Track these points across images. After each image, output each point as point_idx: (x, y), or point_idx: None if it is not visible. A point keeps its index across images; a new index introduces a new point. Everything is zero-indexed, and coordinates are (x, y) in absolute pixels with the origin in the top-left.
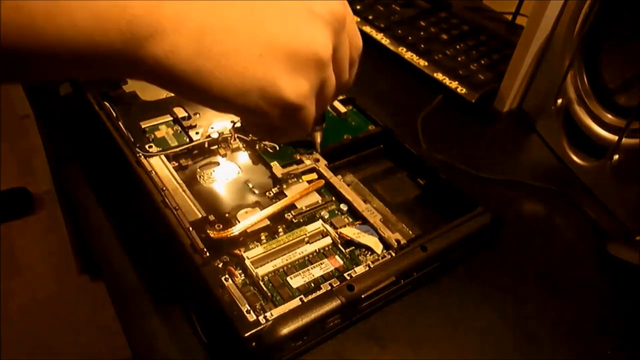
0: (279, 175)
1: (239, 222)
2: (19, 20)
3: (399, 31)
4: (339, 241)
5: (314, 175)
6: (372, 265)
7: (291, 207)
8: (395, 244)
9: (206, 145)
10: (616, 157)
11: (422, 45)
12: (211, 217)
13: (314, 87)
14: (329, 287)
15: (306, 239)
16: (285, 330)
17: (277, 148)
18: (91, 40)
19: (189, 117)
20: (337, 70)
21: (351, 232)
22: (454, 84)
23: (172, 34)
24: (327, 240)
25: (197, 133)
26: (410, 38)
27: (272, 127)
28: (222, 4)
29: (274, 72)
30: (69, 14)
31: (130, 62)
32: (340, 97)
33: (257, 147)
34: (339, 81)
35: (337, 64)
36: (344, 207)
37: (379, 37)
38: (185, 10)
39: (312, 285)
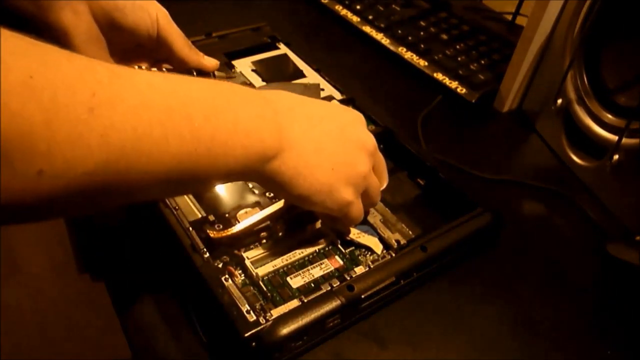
0: None
1: (239, 222)
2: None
3: (399, 31)
4: (339, 241)
5: None
6: (372, 266)
7: (291, 207)
8: (395, 244)
9: None
10: (616, 157)
11: (422, 45)
12: (211, 217)
13: (359, 191)
14: (329, 287)
15: (306, 239)
16: (285, 331)
17: None
18: (241, 168)
19: None
20: (377, 175)
21: (351, 232)
22: (454, 84)
23: (286, 154)
24: (327, 240)
25: None
26: (410, 38)
27: (335, 217)
28: (313, 136)
29: (339, 183)
30: (232, 156)
31: (254, 174)
32: (341, 97)
33: None
34: (378, 184)
35: (375, 172)
36: None
37: (379, 37)
38: (294, 138)
39: (312, 285)
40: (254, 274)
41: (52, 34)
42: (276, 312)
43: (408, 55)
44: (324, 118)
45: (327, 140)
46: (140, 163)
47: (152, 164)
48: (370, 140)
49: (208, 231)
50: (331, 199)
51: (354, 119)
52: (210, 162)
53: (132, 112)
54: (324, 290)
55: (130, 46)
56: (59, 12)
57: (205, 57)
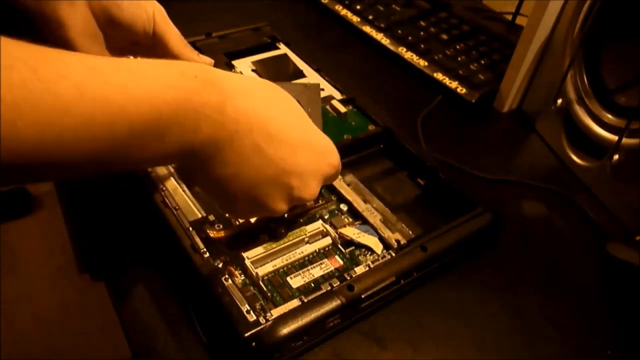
0: None
1: (239, 222)
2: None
3: (399, 31)
4: (339, 241)
5: None
6: (372, 265)
7: (291, 207)
8: (395, 244)
9: None
10: (616, 157)
11: (422, 45)
12: (211, 217)
13: (256, 216)
14: (329, 287)
15: (306, 239)
16: (285, 330)
17: None
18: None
19: None
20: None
21: (351, 232)
22: (454, 84)
23: (201, 164)
24: (327, 240)
25: None
26: (410, 38)
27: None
28: (244, 165)
29: (241, 207)
30: (151, 158)
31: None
32: (341, 97)
33: None
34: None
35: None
36: (344, 207)
37: (379, 37)
38: (218, 152)
39: (312, 285)
40: (254, 274)
41: (48, 26)
42: (276, 312)
43: (408, 55)
44: (273, 151)
45: (255, 173)
46: (44, 157)
47: (58, 161)
48: (304, 196)
49: (208, 231)
50: (229, 209)
51: (308, 171)
52: (126, 161)
53: (44, 119)
54: (324, 290)
55: (126, 44)
56: (55, 3)
57: (201, 55)
